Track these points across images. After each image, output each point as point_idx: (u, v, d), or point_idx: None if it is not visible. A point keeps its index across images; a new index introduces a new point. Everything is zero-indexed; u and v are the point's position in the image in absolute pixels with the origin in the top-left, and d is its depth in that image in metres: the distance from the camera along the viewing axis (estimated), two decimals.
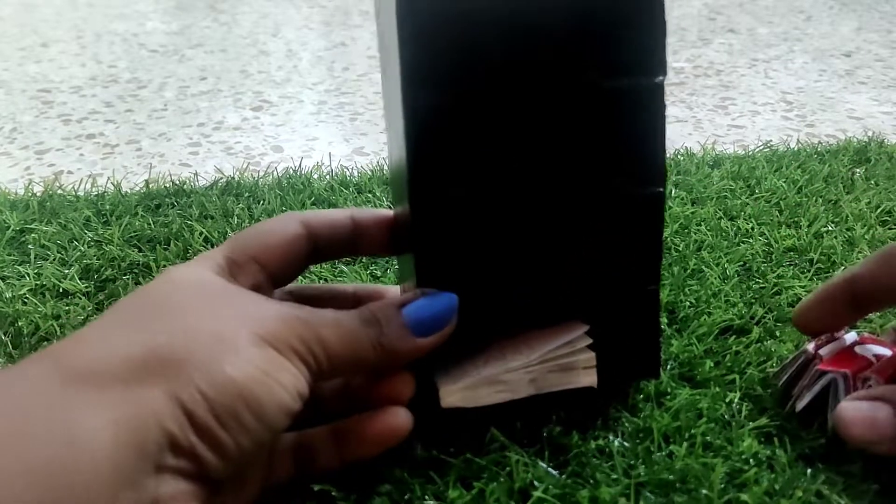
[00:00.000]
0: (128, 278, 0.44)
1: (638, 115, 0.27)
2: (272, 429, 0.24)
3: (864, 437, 0.21)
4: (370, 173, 0.59)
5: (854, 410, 0.25)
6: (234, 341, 0.23)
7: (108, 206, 0.53)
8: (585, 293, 0.30)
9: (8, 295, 0.42)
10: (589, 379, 0.29)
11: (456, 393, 0.28)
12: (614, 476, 0.29)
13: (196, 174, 0.61)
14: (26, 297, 0.42)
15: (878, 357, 0.31)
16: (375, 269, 0.44)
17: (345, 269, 0.44)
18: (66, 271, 0.44)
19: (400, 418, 0.28)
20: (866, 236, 0.48)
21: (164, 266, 0.45)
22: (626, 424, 0.31)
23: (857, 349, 0.32)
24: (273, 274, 0.30)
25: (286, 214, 0.31)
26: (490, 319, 0.29)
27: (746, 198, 0.54)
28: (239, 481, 0.26)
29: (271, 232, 0.30)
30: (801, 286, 0.42)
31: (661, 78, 0.27)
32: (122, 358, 0.22)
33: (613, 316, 0.30)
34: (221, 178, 0.58)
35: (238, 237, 0.30)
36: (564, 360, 0.29)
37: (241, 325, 0.24)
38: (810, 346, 0.33)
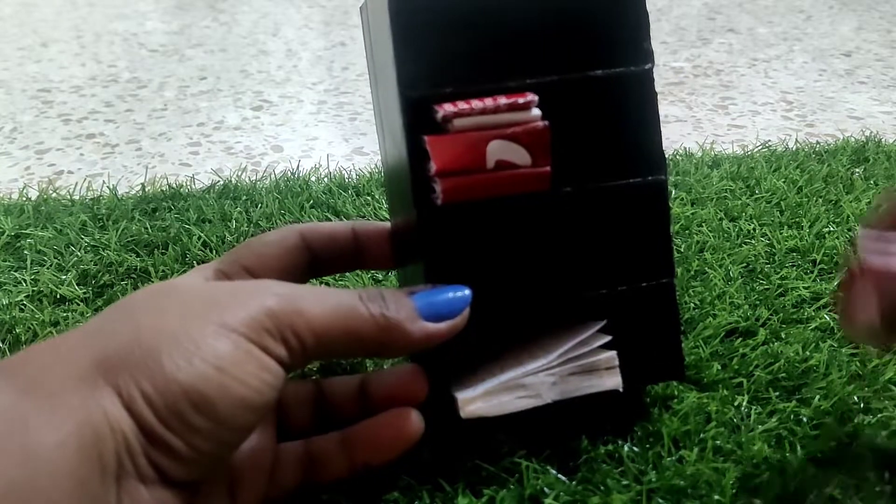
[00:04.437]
0: (126, 283, 0.43)
1: (631, 104, 0.28)
2: (233, 427, 0.22)
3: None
4: (368, 175, 0.58)
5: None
6: (192, 337, 0.22)
7: (104, 211, 0.52)
8: (599, 291, 0.29)
9: (4, 301, 0.41)
10: (613, 381, 0.28)
11: (476, 401, 0.27)
12: (625, 482, 0.28)
13: (193, 177, 0.60)
14: (23, 304, 0.41)
15: None
16: (377, 274, 0.44)
17: (347, 273, 0.44)
18: (64, 277, 0.44)
19: (410, 422, 0.27)
20: None
21: (163, 271, 0.44)
22: (635, 428, 0.31)
23: None
24: None
25: (286, 227, 0.31)
26: (504, 324, 0.29)
27: (747, 198, 0.53)
28: (229, 486, 0.26)
29: (268, 244, 0.30)
30: (805, 287, 0.42)
31: (648, 66, 0.28)
32: (73, 366, 0.22)
33: (630, 315, 0.29)
34: (218, 182, 0.58)
35: (233, 250, 0.30)
36: (585, 361, 0.28)
37: (207, 318, 0.23)
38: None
